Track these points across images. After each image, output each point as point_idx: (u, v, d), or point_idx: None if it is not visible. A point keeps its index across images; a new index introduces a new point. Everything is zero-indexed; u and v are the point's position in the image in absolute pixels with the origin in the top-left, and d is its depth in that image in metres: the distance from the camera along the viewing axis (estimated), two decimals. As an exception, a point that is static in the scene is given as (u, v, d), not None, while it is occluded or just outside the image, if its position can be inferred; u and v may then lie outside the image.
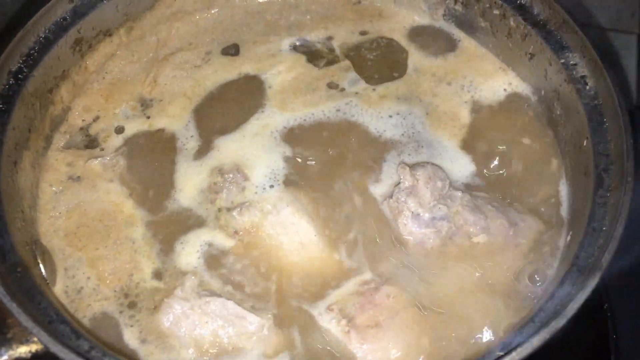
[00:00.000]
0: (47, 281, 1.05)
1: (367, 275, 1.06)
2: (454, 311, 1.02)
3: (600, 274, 0.89)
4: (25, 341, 0.92)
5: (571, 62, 1.14)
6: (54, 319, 0.91)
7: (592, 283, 0.88)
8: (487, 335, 0.99)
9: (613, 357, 1.26)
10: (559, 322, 0.85)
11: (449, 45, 1.35)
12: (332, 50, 1.35)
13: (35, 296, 0.93)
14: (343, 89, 1.29)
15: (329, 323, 1.02)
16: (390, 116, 1.24)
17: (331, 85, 1.30)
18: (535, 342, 0.83)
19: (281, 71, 1.32)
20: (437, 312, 1.02)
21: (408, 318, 1.00)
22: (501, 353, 0.84)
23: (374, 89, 1.28)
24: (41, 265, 1.07)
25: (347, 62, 1.33)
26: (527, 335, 0.86)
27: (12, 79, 1.13)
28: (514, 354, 0.82)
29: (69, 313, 1.01)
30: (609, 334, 1.28)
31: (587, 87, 1.11)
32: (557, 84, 1.17)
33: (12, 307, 0.87)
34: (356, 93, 1.28)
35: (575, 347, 1.16)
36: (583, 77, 1.12)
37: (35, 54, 1.18)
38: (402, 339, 0.99)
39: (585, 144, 1.08)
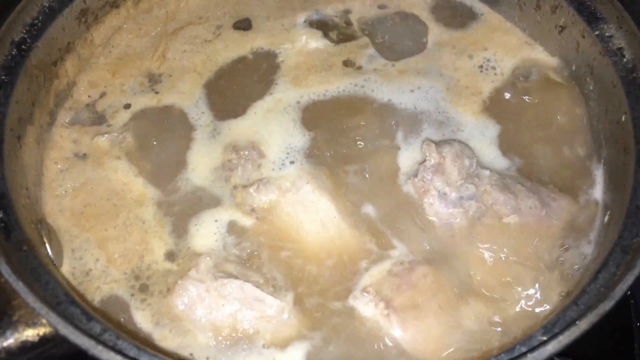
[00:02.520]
0: (54, 262, 0.99)
1: (397, 256, 1.01)
2: (490, 291, 0.97)
3: (648, 253, 0.83)
4: (32, 324, 0.86)
5: (606, 34, 1.09)
6: (63, 300, 0.85)
7: (640, 263, 0.82)
8: (525, 316, 0.95)
9: (637, 345, 1.22)
10: (607, 305, 0.79)
11: (472, 19, 1.29)
12: (349, 24, 1.29)
13: (42, 276, 0.87)
14: (360, 67, 1.23)
15: (366, 306, 0.96)
16: (412, 91, 1.19)
17: (347, 64, 1.24)
18: (583, 325, 0.78)
19: (295, 46, 1.27)
20: (473, 292, 0.97)
21: (446, 298, 0.95)
22: (544, 338, 0.79)
23: (393, 65, 1.23)
24: (47, 246, 1.01)
25: (365, 39, 1.27)
26: (571, 319, 0.80)
27: (14, 50, 1.08)
28: (560, 337, 0.77)
29: (79, 294, 0.95)
30: (633, 323, 1.23)
31: (625, 60, 1.06)
32: (590, 57, 1.12)
33: (19, 287, 0.81)
34: (374, 69, 1.22)
35: (598, 336, 1.11)
36: (620, 49, 1.07)
37: (39, 24, 1.12)
38: (443, 319, 0.94)
39: (623, 119, 1.02)
